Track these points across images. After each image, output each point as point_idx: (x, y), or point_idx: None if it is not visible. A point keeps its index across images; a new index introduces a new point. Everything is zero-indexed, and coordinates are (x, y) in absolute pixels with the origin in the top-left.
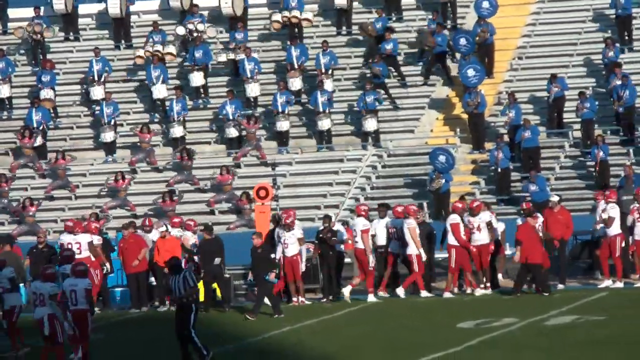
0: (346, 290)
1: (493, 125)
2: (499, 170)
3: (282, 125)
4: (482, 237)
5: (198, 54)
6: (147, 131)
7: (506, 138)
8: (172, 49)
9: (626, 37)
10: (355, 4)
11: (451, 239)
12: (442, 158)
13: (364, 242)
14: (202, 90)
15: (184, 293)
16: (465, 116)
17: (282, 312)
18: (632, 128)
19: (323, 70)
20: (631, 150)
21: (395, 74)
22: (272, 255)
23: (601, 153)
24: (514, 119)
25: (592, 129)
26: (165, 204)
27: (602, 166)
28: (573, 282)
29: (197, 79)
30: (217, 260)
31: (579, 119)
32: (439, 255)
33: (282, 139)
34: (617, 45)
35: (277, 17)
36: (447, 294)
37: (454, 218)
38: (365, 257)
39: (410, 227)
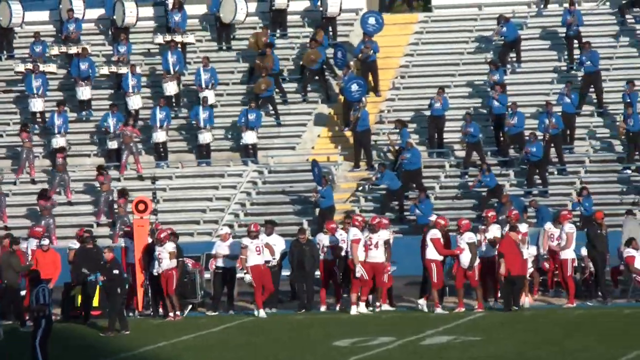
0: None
1: (374, 143)
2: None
3: (158, 136)
4: (378, 255)
5: (83, 67)
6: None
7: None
8: (52, 67)
9: (514, 59)
10: (239, 18)
11: (430, 254)
12: (316, 170)
13: (352, 252)
14: (86, 103)
15: (34, 307)
16: (347, 133)
17: (129, 329)
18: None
19: (203, 86)
20: (511, 172)
21: (276, 90)
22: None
23: (488, 179)
24: (402, 142)
25: (480, 151)
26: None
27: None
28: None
29: (85, 92)
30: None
31: (464, 141)
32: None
33: (159, 152)
34: (501, 66)
35: (159, 39)
36: (438, 310)
37: (434, 233)
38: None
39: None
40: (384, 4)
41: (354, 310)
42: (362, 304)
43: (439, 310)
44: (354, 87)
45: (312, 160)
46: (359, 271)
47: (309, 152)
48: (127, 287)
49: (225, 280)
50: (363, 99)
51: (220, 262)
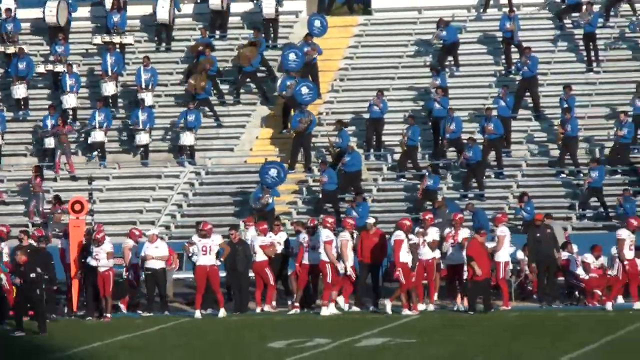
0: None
1: (313, 145)
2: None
3: (96, 135)
4: (316, 257)
5: (21, 66)
6: None
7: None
8: None
9: (452, 62)
10: (180, 20)
11: (402, 256)
12: (273, 172)
13: (327, 254)
14: (22, 102)
15: None
16: (285, 136)
17: (46, 331)
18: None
19: (143, 86)
20: (449, 175)
21: (215, 92)
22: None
23: (430, 182)
24: (341, 143)
25: (414, 156)
26: None
27: (425, 193)
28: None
29: (20, 91)
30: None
31: (403, 145)
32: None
33: (96, 152)
34: (441, 70)
35: (98, 39)
36: (406, 311)
37: (398, 235)
38: (325, 269)
39: (343, 240)
40: (324, 7)
41: (325, 311)
42: (332, 305)
43: (406, 311)
44: (304, 89)
45: (272, 160)
46: (342, 269)
47: (247, 154)
48: (53, 288)
49: (154, 281)
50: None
51: (149, 264)
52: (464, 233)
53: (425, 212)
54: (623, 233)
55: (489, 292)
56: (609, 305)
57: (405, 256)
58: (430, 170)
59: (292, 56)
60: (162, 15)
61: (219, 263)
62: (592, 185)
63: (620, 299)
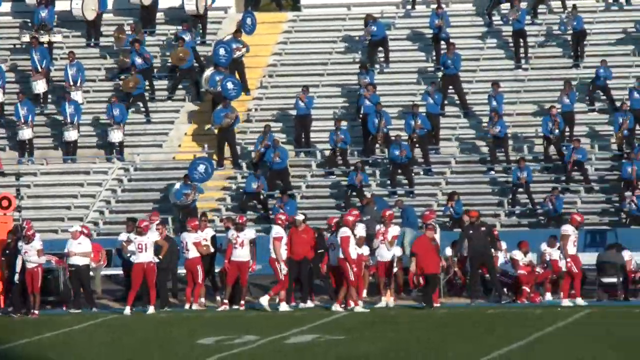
0: (264, 300)
1: (241, 142)
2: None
3: (24, 134)
4: (243, 254)
5: None
6: None
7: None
8: None
9: (382, 59)
10: (107, 15)
11: (352, 252)
12: (201, 168)
13: (275, 250)
14: None
15: None
16: (213, 132)
17: None
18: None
19: (71, 82)
20: (377, 172)
21: (148, 87)
22: None
23: (361, 177)
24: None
25: (344, 155)
26: None
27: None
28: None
29: None
30: None
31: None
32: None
33: (24, 149)
34: (370, 67)
35: (26, 37)
36: (358, 308)
37: (344, 231)
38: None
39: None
40: (253, 3)
41: (283, 306)
42: (284, 303)
43: (358, 308)
44: (230, 85)
45: (201, 156)
46: (284, 269)
47: (176, 150)
48: None
49: (78, 278)
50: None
51: (72, 260)
52: (394, 230)
53: (351, 209)
54: (568, 229)
55: (435, 287)
56: (565, 302)
57: (354, 252)
58: (360, 167)
59: (222, 51)
60: (89, 15)
61: (156, 260)
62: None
63: (548, 296)
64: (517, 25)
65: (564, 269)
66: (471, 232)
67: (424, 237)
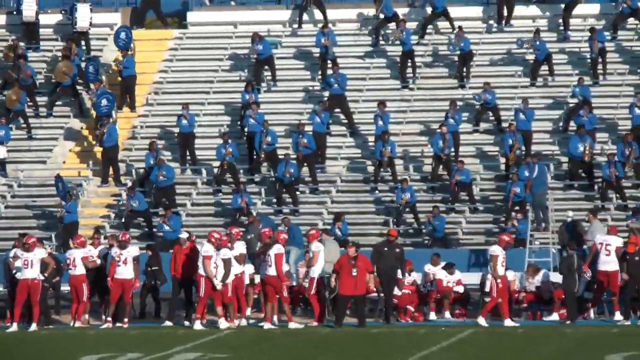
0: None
1: (126, 159)
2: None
3: None
4: (126, 272)
5: None
6: None
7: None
8: None
9: (269, 77)
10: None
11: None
12: (60, 185)
13: (205, 268)
14: None
15: None
16: (97, 149)
17: None
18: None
19: None
20: (263, 191)
21: (30, 103)
22: None
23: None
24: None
25: (234, 172)
26: None
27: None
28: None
29: None
30: None
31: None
32: None
33: None
34: (256, 85)
35: None
36: (292, 324)
37: (279, 248)
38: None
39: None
40: (138, 20)
41: (197, 325)
42: (223, 319)
43: (293, 324)
44: (104, 102)
45: (56, 175)
46: (218, 285)
47: (60, 167)
48: None
49: None
50: (114, 114)
51: None
52: (275, 249)
53: (232, 227)
54: (496, 249)
55: (362, 308)
56: (482, 321)
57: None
58: (242, 187)
59: (91, 69)
60: None
61: (42, 277)
62: (409, 202)
63: (432, 315)
64: (406, 46)
65: (487, 289)
66: (386, 249)
67: (345, 255)
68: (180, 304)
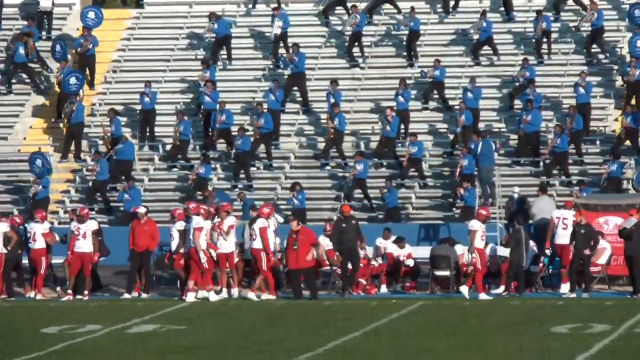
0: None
1: (86, 135)
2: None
3: None
4: (86, 245)
5: None
6: None
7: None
8: None
9: (225, 56)
10: None
11: (258, 243)
12: (38, 162)
13: (195, 240)
14: None
15: None
16: (59, 125)
17: None
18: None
19: None
20: (218, 166)
21: None
22: None
23: (202, 170)
24: (115, 131)
25: (184, 150)
26: None
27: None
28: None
29: None
30: None
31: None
32: None
33: None
34: (213, 64)
35: None
36: (266, 295)
37: (262, 222)
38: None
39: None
40: (97, 0)
41: (190, 297)
42: (192, 293)
43: (265, 295)
44: (72, 80)
45: (34, 152)
46: (204, 257)
47: (21, 143)
48: None
49: None
50: (80, 92)
51: None
52: (229, 221)
53: (189, 202)
54: (475, 224)
55: (310, 280)
56: (482, 296)
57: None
58: (202, 160)
59: (57, 47)
60: None
61: (4, 251)
62: (358, 177)
63: (384, 288)
64: (356, 28)
65: (467, 262)
66: (343, 225)
67: (290, 230)
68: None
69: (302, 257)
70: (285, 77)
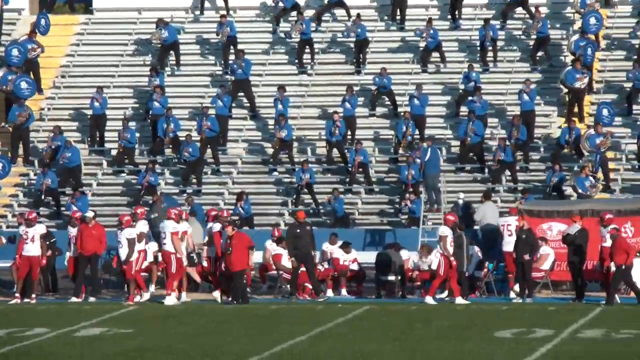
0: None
1: (34, 140)
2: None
3: None
4: (34, 249)
5: None
6: None
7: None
8: None
9: (173, 62)
10: None
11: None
12: None
13: (174, 244)
14: None
15: None
16: (6, 130)
17: None
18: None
19: None
20: (167, 172)
21: None
22: None
23: (151, 179)
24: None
25: (131, 156)
26: None
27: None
28: (105, 296)
29: None
30: None
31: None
32: None
33: None
34: (161, 70)
35: None
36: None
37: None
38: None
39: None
40: (46, 5)
41: (169, 300)
42: (173, 295)
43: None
44: (23, 84)
45: None
46: (185, 261)
47: None
48: None
49: None
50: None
51: None
52: (182, 226)
53: (137, 207)
54: (445, 230)
55: (241, 284)
56: (429, 299)
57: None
58: (148, 169)
59: (15, 52)
60: None
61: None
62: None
63: (330, 292)
64: (305, 35)
65: (435, 268)
66: (298, 231)
67: (238, 234)
68: (86, 280)
69: (236, 262)
70: (229, 82)
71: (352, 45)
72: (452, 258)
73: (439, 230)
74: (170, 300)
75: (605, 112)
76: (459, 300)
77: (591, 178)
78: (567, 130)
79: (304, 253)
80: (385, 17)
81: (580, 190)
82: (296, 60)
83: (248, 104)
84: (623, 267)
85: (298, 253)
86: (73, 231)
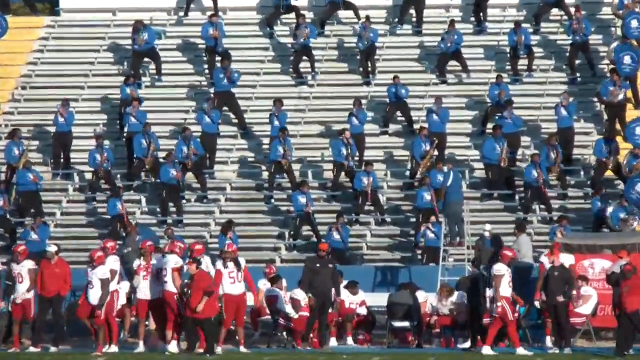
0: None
1: None
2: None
3: None
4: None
5: None
6: None
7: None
8: None
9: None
10: None
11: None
12: None
13: (175, 281)
14: None
15: None
16: None
17: None
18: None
19: None
20: (143, 198)
21: None
22: None
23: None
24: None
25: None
26: None
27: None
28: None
29: None
30: None
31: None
32: None
33: None
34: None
35: None
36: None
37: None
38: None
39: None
40: (3, 6)
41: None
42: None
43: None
44: None
45: None
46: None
47: None
48: None
49: None
50: None
51: None
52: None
53: (106, 240)
54: (501, 268)
55: (212, 332)
56: (486, 349)
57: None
58: (112, 194)
59: None
60: None
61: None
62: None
63: (333, 341)
64: (306, 41)
65: (493, 313)
66: (317, 265)
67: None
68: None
69: (194, 306)
70: (211, 94)
71: (357, 51)
72: (500, 302)
73: (494, 268)
74: (173, 347)
75: (638, 130)
76: (520, 351)
77: (627, 209)
78: (602, 142)
79: (320, 292)
80: (395, 19)
81: (611, 223)
82: (293, 68)
83: (236, 120)
84: None
85: (314, 292)
86: (17, 268)
